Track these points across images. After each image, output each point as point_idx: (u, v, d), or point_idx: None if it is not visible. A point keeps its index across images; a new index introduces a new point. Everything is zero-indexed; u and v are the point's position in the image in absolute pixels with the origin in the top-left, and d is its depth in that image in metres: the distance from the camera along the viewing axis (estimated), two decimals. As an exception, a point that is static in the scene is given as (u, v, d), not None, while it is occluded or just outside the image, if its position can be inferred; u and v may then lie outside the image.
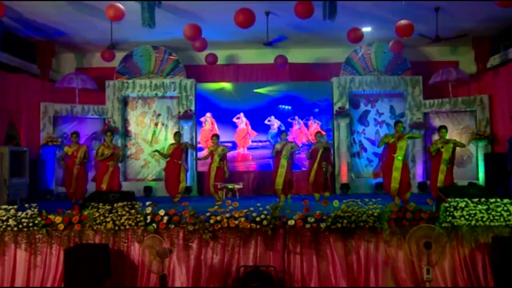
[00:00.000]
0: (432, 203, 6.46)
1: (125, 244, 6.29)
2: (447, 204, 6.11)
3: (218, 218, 6.18)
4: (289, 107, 12.53)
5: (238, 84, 12.72)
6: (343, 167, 11.99)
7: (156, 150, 10.22)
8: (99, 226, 6.24)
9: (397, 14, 9.42)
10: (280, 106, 12.53)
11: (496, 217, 6.03)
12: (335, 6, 8.41)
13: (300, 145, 11.72)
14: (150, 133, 12.49)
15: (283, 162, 9.40)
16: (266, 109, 12.48)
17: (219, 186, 9.43)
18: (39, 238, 6.30)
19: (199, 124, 12.47)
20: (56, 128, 11.78)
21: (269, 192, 10.84)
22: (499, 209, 6.06)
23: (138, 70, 12.41)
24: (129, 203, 6.37)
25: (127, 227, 6.22)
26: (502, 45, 11.40)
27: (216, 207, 6.43)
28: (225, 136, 11.84)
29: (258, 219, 6.13)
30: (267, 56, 12.14)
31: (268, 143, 12.32)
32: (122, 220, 6.21)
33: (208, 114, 12.51)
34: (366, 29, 10.71)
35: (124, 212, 6.25)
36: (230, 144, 11.73)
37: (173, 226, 6.24)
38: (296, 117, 12.50)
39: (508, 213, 6.04)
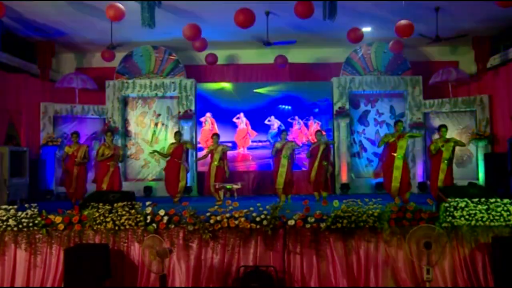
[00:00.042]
0: (432, 203, 6.46)
1: (125, 244, 6.29)
2: (447, 204, 6.11)
3: (218, 218, 6.18)
4: (289, 107, 12.53)
5: (238, 84, 12.72)
6: (343, 167, 11.99)
7: (155, 150, 10.21)
8: (99, 226, 6.24)
9: (397, 14, 9.42)
10: (280, 106, 12.53)
11: (496, 217, 6.03)
12: (335, 6, 8.41)
13: (300, 145, 11.71)
14: (150, 133, 12.49)
15: (284, 161, 9.38)
16: (266, 109, 12.48)
17: (217, 186, 9.42)
18: (39, 238, 6.30)
19: (199, 124, 12.47)
20: (56, 128, 11.78)
21: (269, 192, 10.84)
22: (499, 209, 6.06)
23: (138, 70, 12.41)
24: (129, 203, 6.37)
25: (127, 227, 6.22)
26: (502, 45, 11.40)
27: (216, 207, 6.43)
28: (225, 136, 11.83)
29: (258, 219, 6.13)
30: (267, 56, 12.15)
31: (268, 143, 12.32)
32: (122, 220, 6.21)
33: (208, 114, 12.51)
34: (366, 29, 10.71)
35: (124, 212, 6.25)
36: (230, 144, 11.73)
37: (173, 226, 6.24)
38: (296, 117, 12.50)
39: (508, 213, 6.05)
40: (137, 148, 12.45)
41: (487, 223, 6.01)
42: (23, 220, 6.28)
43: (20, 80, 10.99)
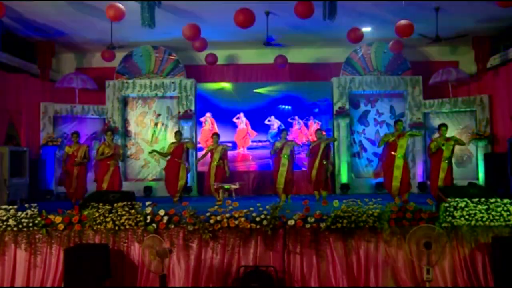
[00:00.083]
0: (432, 203, 6.45)
1: (125, 244, 6.29)
2: (447, 204, 6.10)
3: (218, 218, 6.17)
4: (289, 107, 12.53)
5: (238, 84, 12.72)
6: (343, 167, 11.99)
7: (153, 150, 10.20)
8: (99, 226, 6.24)
9: (397, 14, 9.43)
10: (280, 106, 12.53)
11: (496, 217, 6.02)
12: (335, 6, 8.41)
13: (300, 145, 11.71)
14: (150, 133, 12.49)
15: (284, 160, 9.36)
16: (266, 109, 12.49)
17: (215, 186, 9.41)
18: (39, 238, 6.30)
19: (199, 124, 12.47)
20: (56, 128, 11.78)
21: (269, 192, 10.85)
22: (499, 209, 6.05)
23: (138, 70, 12.41)
24: (129, 203, 6.36)
25: (127, 227, 6.22)
26: (502, 45, 11.41)
27: (216, 207, 6.43)
28: (225, 136, 11.83)
29: (258, 219, 6.12)
30: (267, 56, 12.15)
31: (268, 143, 12.31)
32: (122, 220, 6.21)
33: (208, 114, 12.51)
34: (366, 29, 10.71)
35: (124, 212, 6.25)
36: (230, 144, 11.72)
37: (173, 226, 6.24)
38: (296, 117, 12.50)
39: (508, 213, 6.04)
40: (137, 148, 12.45)
41: (487, 223, 6.01)
42: (23, 220, 6.27)
43: (20, 80, 10.99)
